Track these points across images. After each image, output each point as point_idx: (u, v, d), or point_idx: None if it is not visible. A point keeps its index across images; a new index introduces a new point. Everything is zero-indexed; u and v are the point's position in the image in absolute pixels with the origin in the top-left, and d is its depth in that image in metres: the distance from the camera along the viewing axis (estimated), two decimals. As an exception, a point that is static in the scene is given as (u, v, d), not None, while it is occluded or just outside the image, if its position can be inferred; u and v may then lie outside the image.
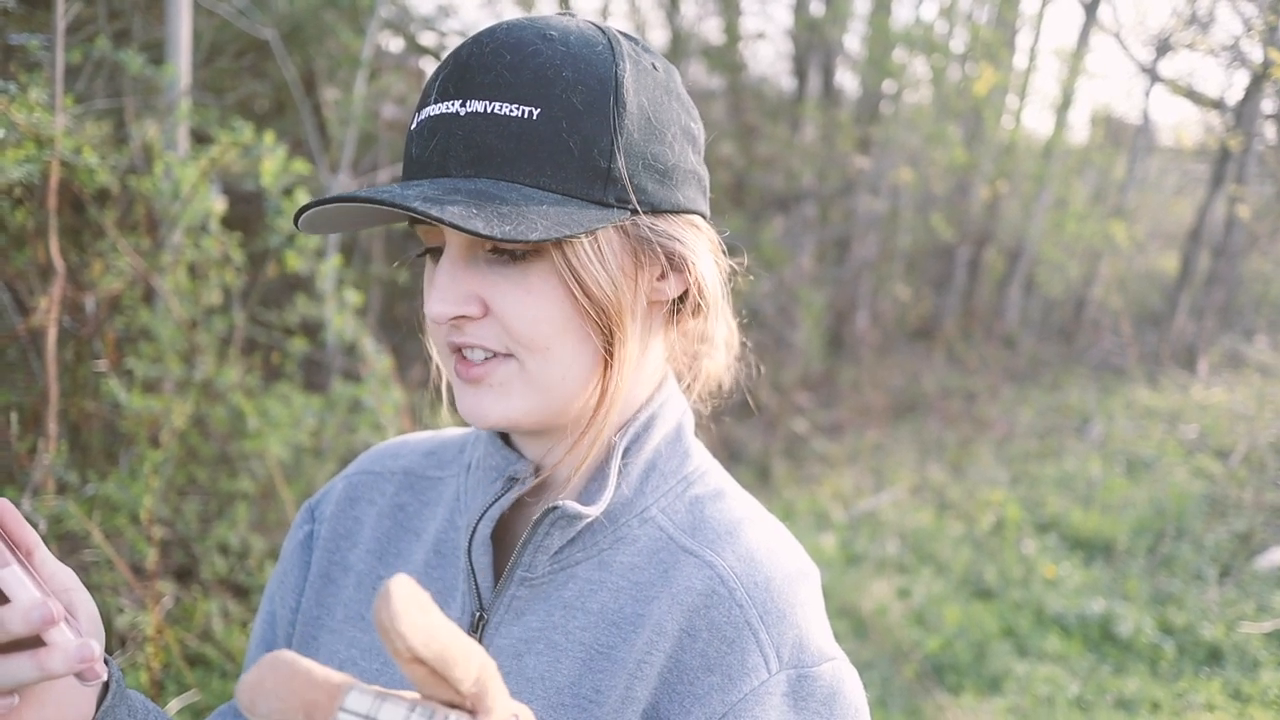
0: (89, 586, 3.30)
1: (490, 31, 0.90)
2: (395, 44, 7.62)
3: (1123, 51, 17.60)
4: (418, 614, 0.60)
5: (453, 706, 0.63)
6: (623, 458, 0.99)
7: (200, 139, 4.43)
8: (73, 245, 3.59)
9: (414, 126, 0.91)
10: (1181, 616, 5.42)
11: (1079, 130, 14.92)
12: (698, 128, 0.99)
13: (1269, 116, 10.95)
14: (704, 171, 1.00)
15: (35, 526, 2.84)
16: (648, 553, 0.98)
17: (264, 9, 5.18)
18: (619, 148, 0.87)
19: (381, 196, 0.80)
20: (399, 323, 6.93)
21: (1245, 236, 12.20)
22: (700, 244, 0.96)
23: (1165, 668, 4.96)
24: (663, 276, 0.96)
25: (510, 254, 0.88)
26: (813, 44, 10.19)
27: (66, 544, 3.37)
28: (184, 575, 3.97)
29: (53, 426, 3.01)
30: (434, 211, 0.78)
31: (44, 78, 2.97)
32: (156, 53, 4.26)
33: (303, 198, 3.57)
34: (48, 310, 2.97)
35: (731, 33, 10.04)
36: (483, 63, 0.87)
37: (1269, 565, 6.07)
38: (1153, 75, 11.75)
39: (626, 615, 0.94)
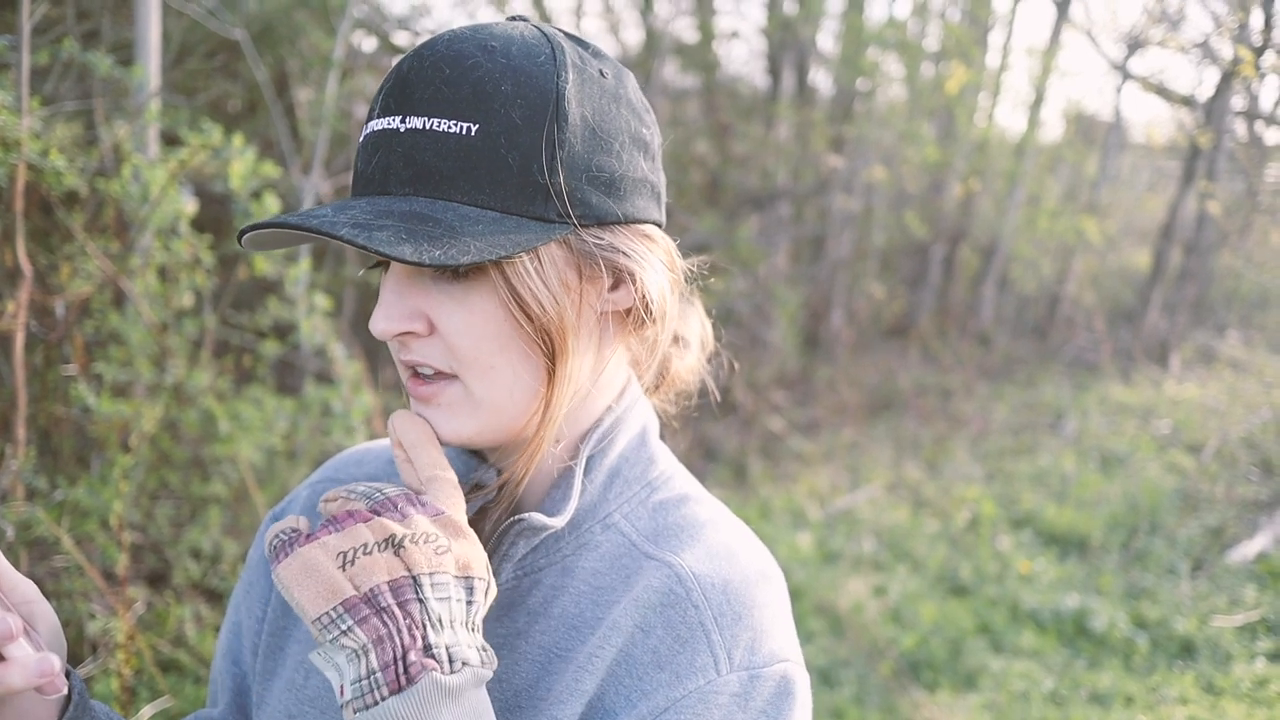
0: (59, 593, 3.27)
1: (431, 43, 0.90)
2: (368, 44, 7.59)
3: (1094, 49, 17.73)
4: (412, 419, 0.93)
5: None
6: (586, 465, 1.00)
7: (170, 141, 4.39)
8: (41, 248, 3.56)
9: (360, 139, 0.91)
10: (1155, 611, 5.47)
11: (1051, 128, 15.00)
12: (650, 134, 0.98)
13: (1239, 113, 11.05)
14: (658, 178, 0.99)
15: (3, 533, 2.82)
16: (610, 558, 0.98)
17: (234, 9, 5.15)
18: (560, 162, 0.86)
19: (311, 224, 0.81)
20: (373, 324, 6.90)
21: (1216, 233, 12.31)
22: (649, 255, 0.95)
23: (1139, 662, 4.99)
24: (614, 287, 0.95)
25: (453, 272, 0.87)
26: (786, 42, 10.20)
27: (36, 550, 3.34)
28: (156, 580, 3.94)
29: (21, 431, 2.99)
30: (360, 239, 0.78)
31: (10, 79, 2.94)
32: (125, 54, 4.22)
33: (271, 200, 3.55)
34: (15, 314, 2.95)
35: (705, 31, 10.05)
36: (422, 77, 0.87)
37: (1241, 559, 6.12)
38: (1124, 73, 11.83)
39: (586, 619, 0.95)
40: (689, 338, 1.17)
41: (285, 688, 1.05)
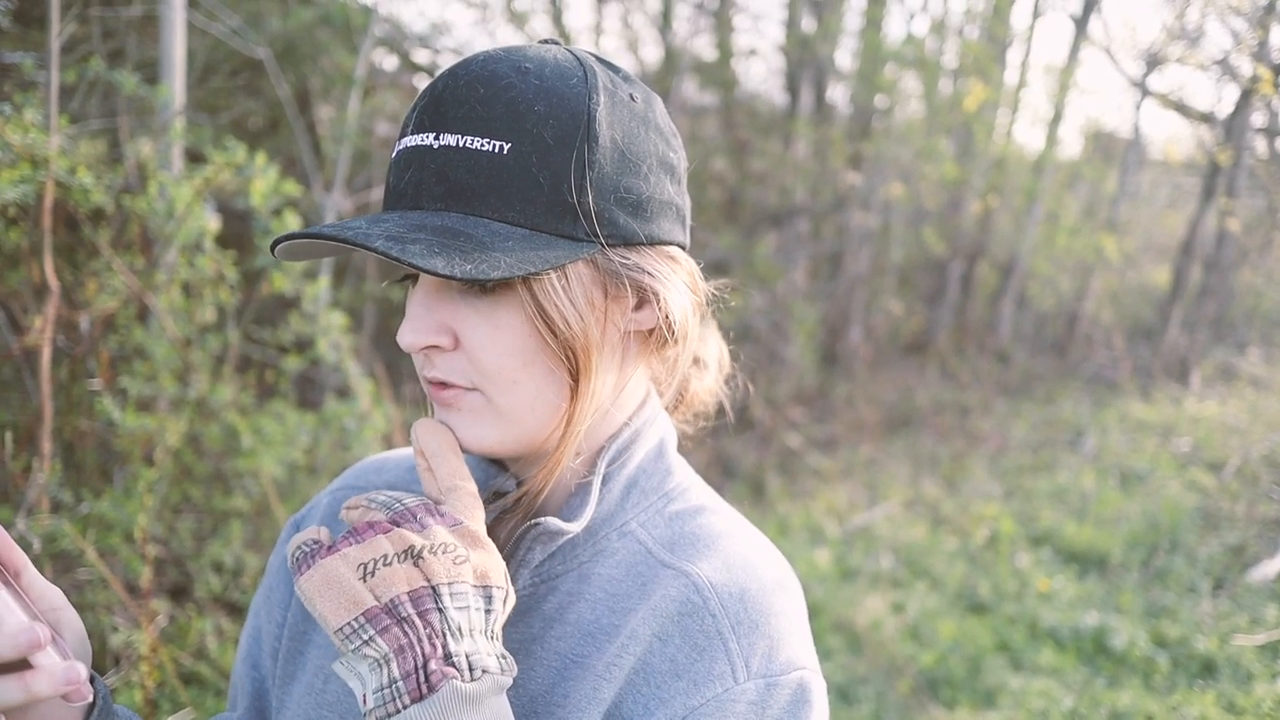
0: (83, 605, 3.30)
1: (466, 64, 0.92)
2: (389, 62, 7.65)
3: (1113, 66, 17.68)
4: (435, 428, 0.94)
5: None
6: (604, 476, 1.01)
7: (194, 158, 4.44)
8: (67, 264, 3.60)
9: (394, 155, 0.93)
10: (1175, 629, 5.43)
11: (1070, 144, 14.98)
12: (677, 157, 0.99)
13: (1258, 130, 11.01)
14: (683, 201, 1.01)
15: (29, 546, 2.85)
16: (626, 565, 1.00)
17: (258, 28, 5.20)
18: (590, 182, 0.88)
19: (347, 235, 0.82)
20: (393, 339, 6.94)
21: (1236, 250, 12.26)
22: (673, 276, 0.97)
23: (1159, 681, 4.96)
24: (639, 307, 0.97)
25: (481, 287, 0.89)
26: (804, 60, 10.23)
27: (61, 563, 3.37)
28: (178, 593, 3.97)
29: (47, 445, 3.02)
30: (394, 251, 0.80)
31: (38, 98, 2.98)
32: (151, 72, 4.28)
33: (292, 218, 3.58)
34: (42, 329, 2.98)
35: (724, 49, 10.09)
36: (456, 95, 0.89)
37: (1262, 578, 6.08)
38: (1143, 89, 11.81)
39: (602, 626, 0.96)
40: (707, 359, 1.19)
41: (305, 692, 1.06)
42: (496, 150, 0.86)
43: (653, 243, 0.95)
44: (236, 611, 3.92)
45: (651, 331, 1.00)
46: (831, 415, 9.52)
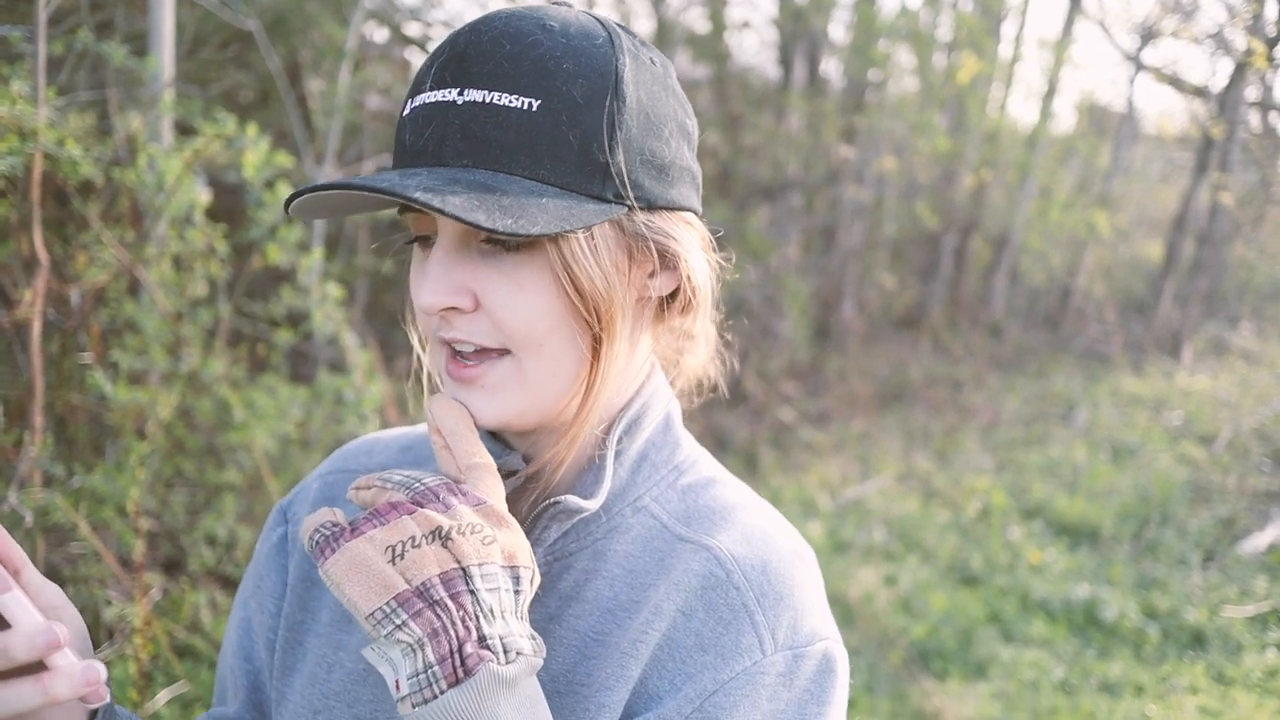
0: (76, 579, 3.31)
1: (488, 19, 0.89)
2: (380, 35, 7.60)
3: (1107, 40, 17.65)
4: (451, 405, 0.92)
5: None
6: (616, 449, 0.99)
7: (184, 131, 4.41)
8: (57, 238, 3.58)
9: (407, 113, 0.89)
10: (1165, 601, 5.47)
11: (1064, 119, 14.97)
12: (692, 124, 0.98)
13: (1252, 104, 11.00)
14: (698, 169, 0.99)
15: (22, 519, 2.85)
16: (642, 541, 0.98)
17: (247, 0, 5.16)
18: (618, 142, 0.86)
19: (381, 185, 0.79)
20: (385, 313, 6.93)
21: (1229, 224, 12.28)
22: (693, 242, 0.96)
23: (1149, 652, 5.00)
24: (653, 274, 0.95)
25: (504, 246, 0.86)
26: (798, 33, 10.18)
27: (53, 536, 3.37)
28: (171, 567, 3.97)
29: (38, 419, 3.01)
30: (435, 202, 0.77)
31: (26, 70, 2.96)
32: (139, 44, 4.25)
33: (285, 190, 3.56)
34: (32, 303, 2.97)
35: (717, 22, 10.03)
36: (481, 51, 0.86)
37: (1252, 550, 6.12)
38: (1137, 63, 11.80)
39: (622, 602, 0.95)
40: (697, 335, 1.16)
41: (307, 683, 1.04)
42: (525, 107, 0.84)
43: (672, 208, 0.93)
44: (229, 584, 3.93)
45: (663, 300, 0.99)
46: (824, 389, 9.54)
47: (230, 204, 4.71)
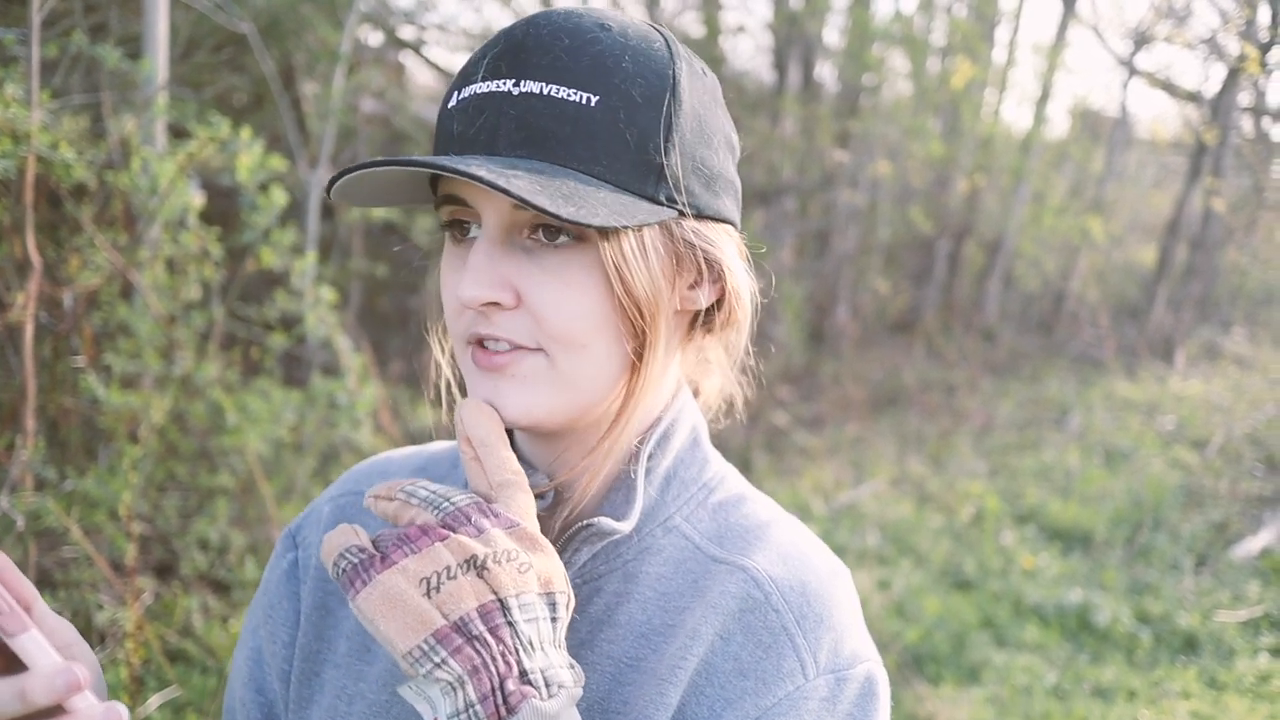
0: (68, 583, 3.30)
1: (546, 14, 0.87)
2: (374, 38, 7.60)
3: (1101, 44, 17.70)
4: (483, 412, 0.87)
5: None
6: (646, 466, 0.97)
7: (178, 134, 4.41)
8: (50, 241, 3.57)
9: (455, 104, 0.87)
10: (1158, 606, 5.47)
11: (1057, 124, 14.99)
12: (736, 140, 0.97)
13: (1245, 109, 11.04)
14: (739, 185, 0.98)
15: (13, 523, 2.84)
16: (674, 563, 0.96)
17: (241, 3, 5.16)
18: (674, 145, 0.85)
19: (443, 162, 0.77)
20: (379, 317, 6.92)
21: (1222, 229, 12.31)
22: (735, 254, 0.94)
23: (1142, 656, 5.00)
24: (695, 285, 0.93)
25: (551, 242, 0.84)
26: (792, 38, 10.20)
27: (45, 540, 3.36)
28: (164, 571, 3.97)
29: (30, 422, 3.01)
30: (500, 182, 0.74)
31: (20, 72, 2.96)
32: (133, 47, 4.24)
33: (278, 193, 3.56)
34: (24, 306, 2.96)
35: (711, 26, 10.05)
36: (540, 43, 0.84)
37: (1244, 555, 6.13)
38: (1130, 68, 11.83)
39: (655, 626, 0.92)
40: (710, 357, 1.13)
41: (326, 716, 1.00)
42: (584, 102, 0.82)
43: (718, 219, 0.92)
44: (222, 589, 3.93)
45: (697, 314, 0.96)
46: (818, 393, 9.54)
47: (224, 207, 4.71)
